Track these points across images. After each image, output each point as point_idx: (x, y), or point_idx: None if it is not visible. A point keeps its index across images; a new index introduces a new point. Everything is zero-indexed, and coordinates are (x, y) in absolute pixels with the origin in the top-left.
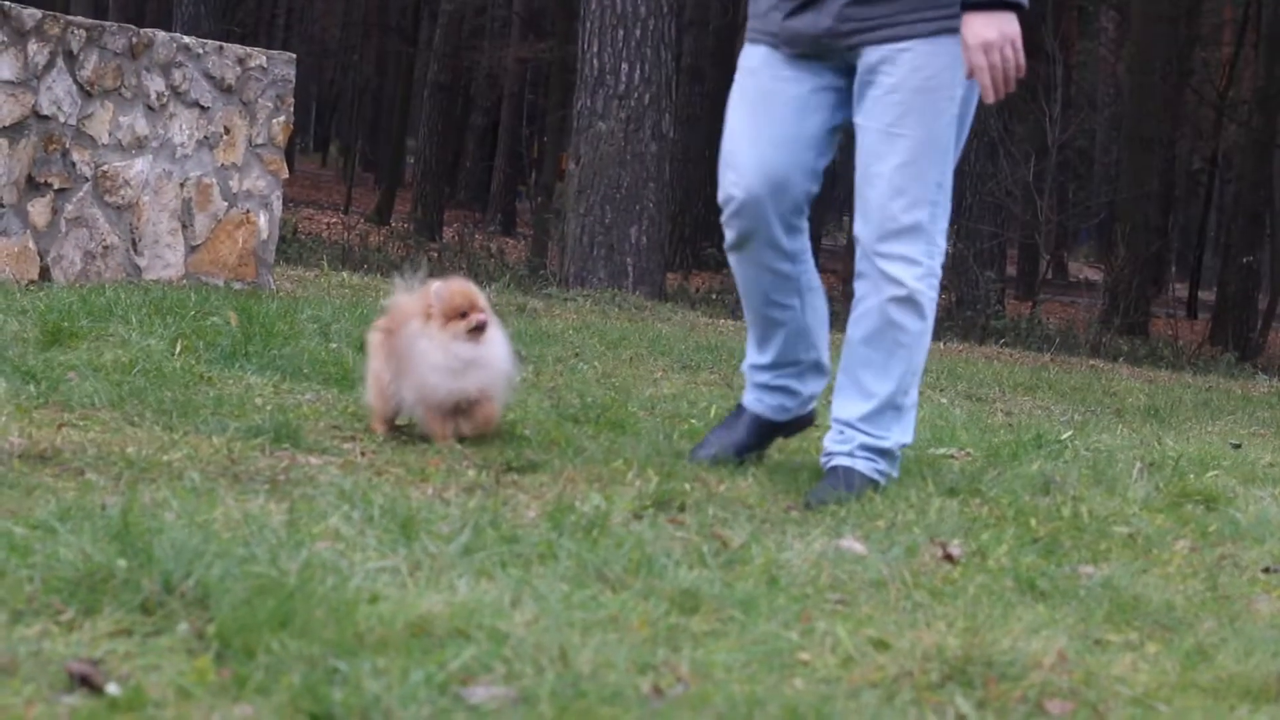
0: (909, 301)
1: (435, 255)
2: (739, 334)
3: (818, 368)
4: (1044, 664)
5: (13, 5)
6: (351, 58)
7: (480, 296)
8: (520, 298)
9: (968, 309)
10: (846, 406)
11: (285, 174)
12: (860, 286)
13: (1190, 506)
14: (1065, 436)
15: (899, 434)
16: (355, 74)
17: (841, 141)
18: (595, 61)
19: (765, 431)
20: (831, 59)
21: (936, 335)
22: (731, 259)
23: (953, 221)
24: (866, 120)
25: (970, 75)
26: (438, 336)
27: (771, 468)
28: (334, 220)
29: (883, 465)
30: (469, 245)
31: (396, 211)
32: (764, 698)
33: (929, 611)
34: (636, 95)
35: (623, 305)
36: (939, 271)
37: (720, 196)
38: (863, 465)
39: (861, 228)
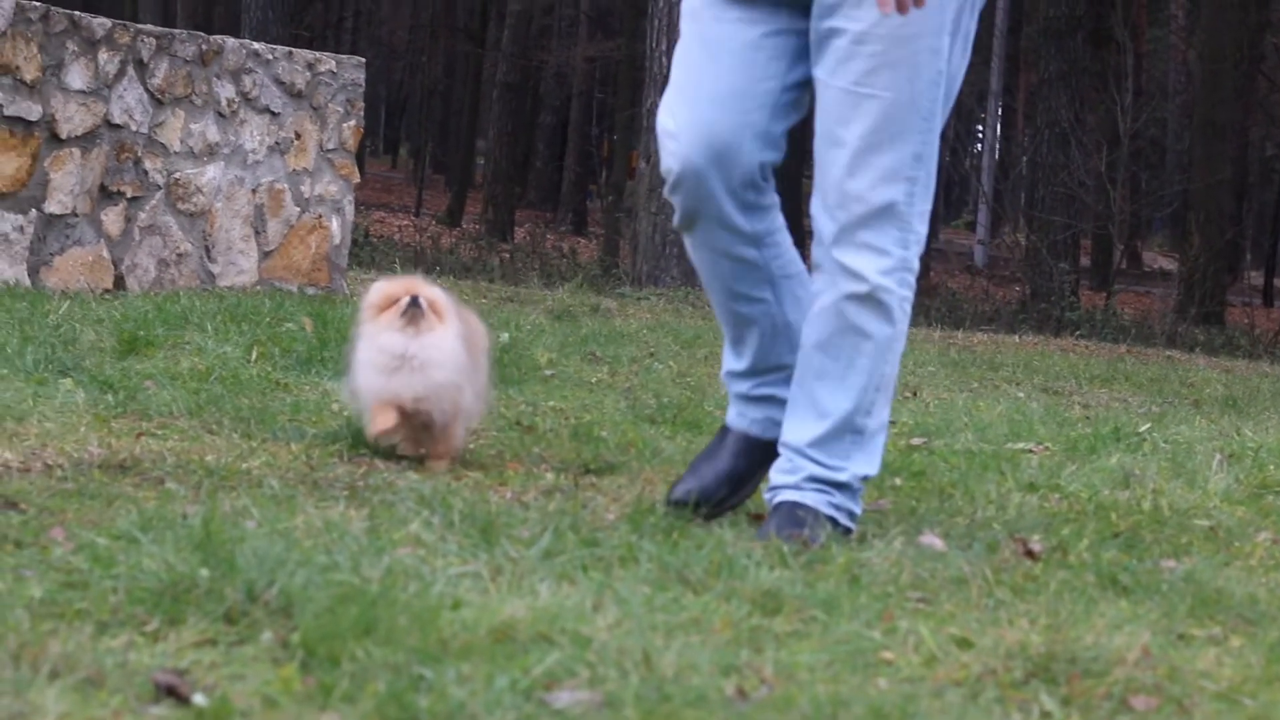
0: (870, 300)
1: (507, 256)
2: None
3: None
4: (1128, 660)
5: (83, 15)
6: (420, 59)
7: (428, 288)
8: (593, 298)
9: (1042, 301)
10: (796, 428)
11: (356, 178)
12: (817, 280)
13: (1271, 498)
14: (1143, 429)
15: (859, 464)
16: (424, 75)
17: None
18: (664, 59)
19: (756, 454)
20: None
21: (1011, 328)
22: (685, 243)
23: (1025, 213)
24: (828, 76)
25: None
26: (368, 331)
27: None
28: (405, 223)
29: (839, 499)
30: (540, 246)
31: (467, 213)
32: (848, 698)
33: (1011, 609)
34: None
35: (696, 303)
36: (915, 265)
37: (661, 167)
38: (812, 498)
39: (819, 210)
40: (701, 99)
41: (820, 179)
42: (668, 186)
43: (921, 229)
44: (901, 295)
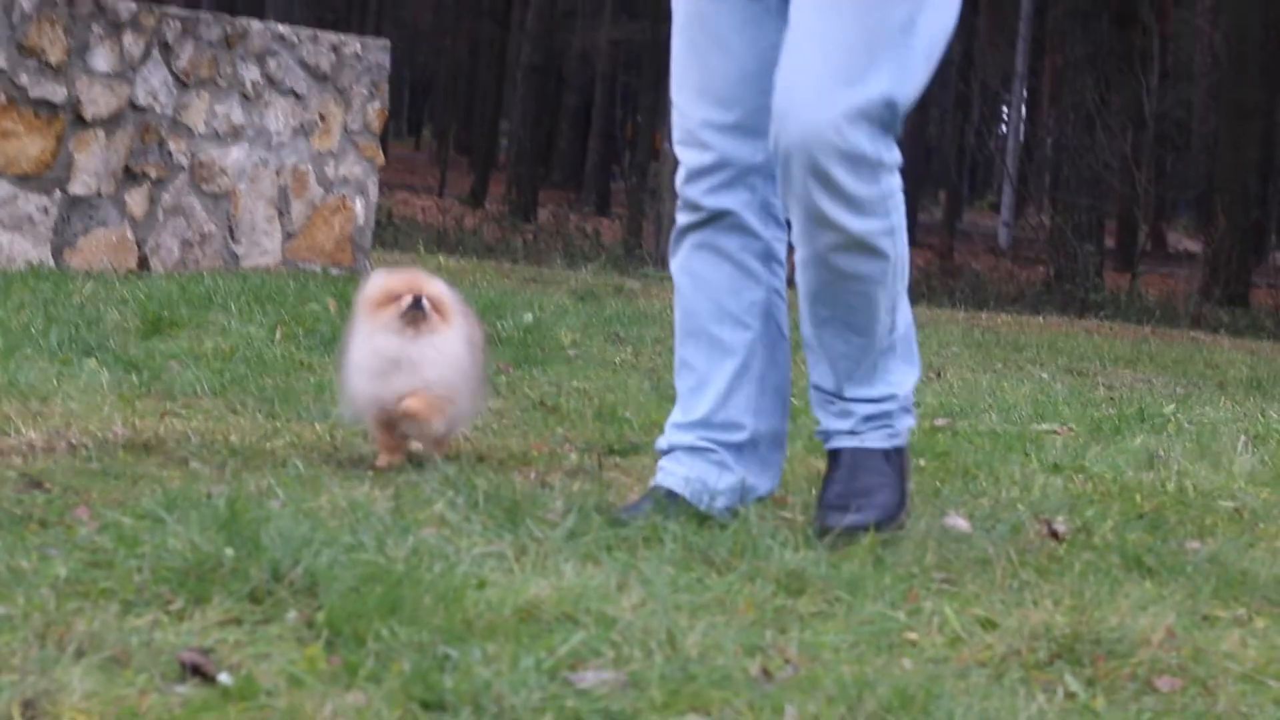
0: (854, 244)
1: (530, 237)
2: None
3: (763, 449)
4: (1152, 641)
5: None
6: (444, 41)
7: (432, 284)
8: (617, 278)
9: (1066, 282)
10: (825, 374)
11: (381, 160)
12: (794, 224)
13: None
14: (1168, 410)
15: (901, 378)
16: (448, 57)
17: None
18: None
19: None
20: None
21: (1035, 309)
22: (679, 256)
23: (1050, 194)
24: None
25: None
26: (364, 329)
27: None
28: (429, 204)
29: (896, 426)
30: (564, 226)
31: (491, 194)
32: (873, 679)
33: (1035, 590)
34: None
35: None
36: (895, 182)
37: (678, 158)
38: (874, 439)
39: (780, 140)
40: (715, 80)
41: (780, 104)
42: (683, 178)
43: (895, 155)
44: (887, 225)
